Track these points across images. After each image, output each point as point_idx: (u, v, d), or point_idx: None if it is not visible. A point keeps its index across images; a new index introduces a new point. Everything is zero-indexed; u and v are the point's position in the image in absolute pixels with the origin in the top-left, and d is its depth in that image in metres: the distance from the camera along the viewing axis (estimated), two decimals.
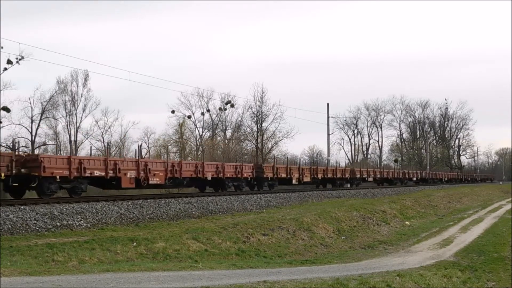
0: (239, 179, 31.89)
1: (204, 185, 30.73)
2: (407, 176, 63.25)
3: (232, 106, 67.54)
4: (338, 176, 45.58)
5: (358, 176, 49.38)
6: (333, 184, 45.28)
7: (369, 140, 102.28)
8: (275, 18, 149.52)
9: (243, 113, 67.78)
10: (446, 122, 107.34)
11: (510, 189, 68.57)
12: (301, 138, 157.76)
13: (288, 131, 66.85)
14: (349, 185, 47.68)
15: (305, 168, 40.92)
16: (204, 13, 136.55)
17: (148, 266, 13.16)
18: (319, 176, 42.04)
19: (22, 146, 49.60)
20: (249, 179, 32.96)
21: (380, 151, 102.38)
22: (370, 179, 52.17)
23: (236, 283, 11.00)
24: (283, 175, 36.35)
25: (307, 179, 39.70)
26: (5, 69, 47.71)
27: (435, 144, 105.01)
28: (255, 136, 65.96)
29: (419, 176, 67.55)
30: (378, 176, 54.59)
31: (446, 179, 65.11)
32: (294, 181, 37.73)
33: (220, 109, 68.02)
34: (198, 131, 68.20)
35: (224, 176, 30.21)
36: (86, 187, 22.91)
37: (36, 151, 47.71)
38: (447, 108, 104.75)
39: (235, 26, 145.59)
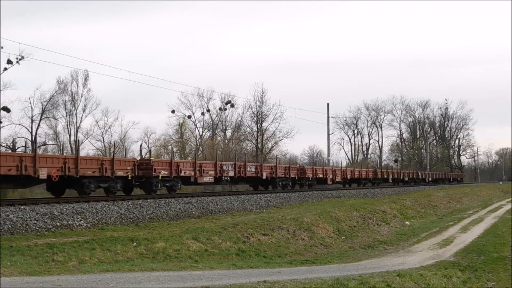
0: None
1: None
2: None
3: (232, 106, 67.61)
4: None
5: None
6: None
7: (369, 140, 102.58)
8: (275, 18, 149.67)
9: (243, 113, 67.97)
10: (446, 122, 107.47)
11: (510, 189, 68.53)
12: (301, 138, 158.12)
13: (288, 131, 67.22)
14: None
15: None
16: (204, 13, 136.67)
17: (148, 266, 13.15)
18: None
19: (22, 146, 49.61)
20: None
21: (380, 151, 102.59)
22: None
23: (236, 283, 11.00)
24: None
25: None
26: (5, 69, 47.85)
27: (435, 144, 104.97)
28: (255, 136, 66.02)
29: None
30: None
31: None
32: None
33: (220, 109, 68.11)
34: (198, 131, 68.34)
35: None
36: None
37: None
38: (447, 108, 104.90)
39: (235, 26, 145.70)
